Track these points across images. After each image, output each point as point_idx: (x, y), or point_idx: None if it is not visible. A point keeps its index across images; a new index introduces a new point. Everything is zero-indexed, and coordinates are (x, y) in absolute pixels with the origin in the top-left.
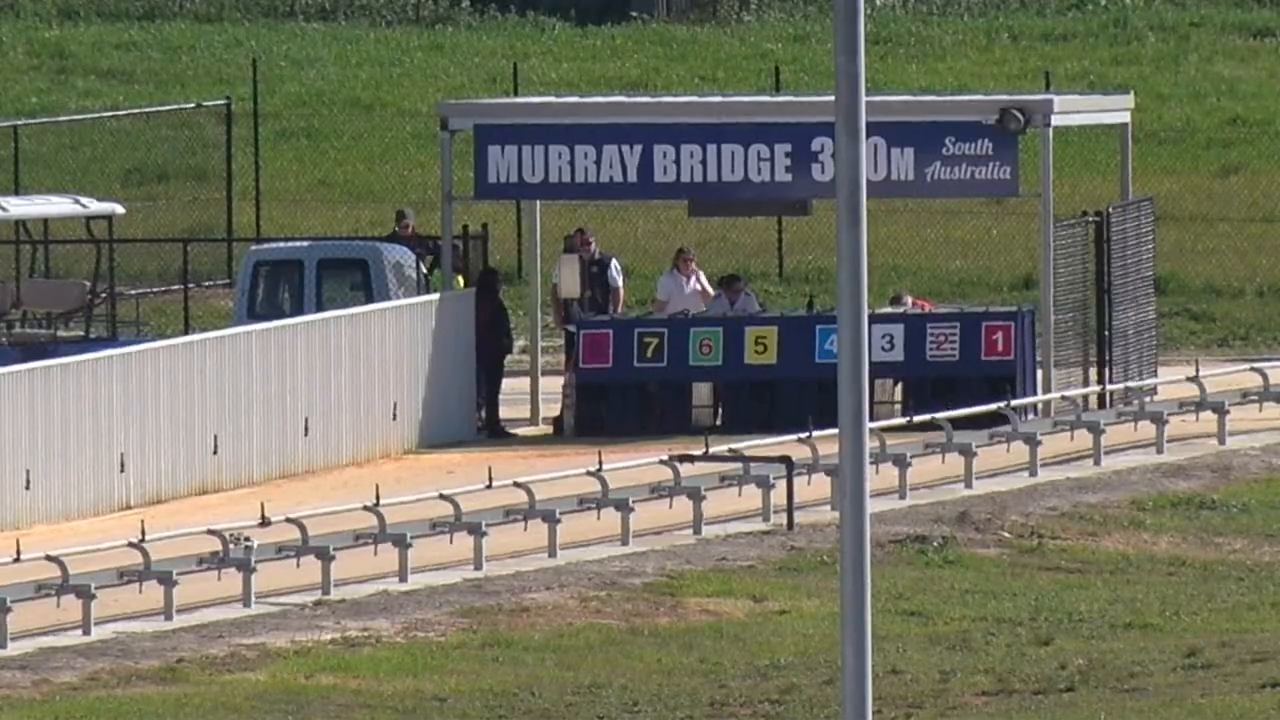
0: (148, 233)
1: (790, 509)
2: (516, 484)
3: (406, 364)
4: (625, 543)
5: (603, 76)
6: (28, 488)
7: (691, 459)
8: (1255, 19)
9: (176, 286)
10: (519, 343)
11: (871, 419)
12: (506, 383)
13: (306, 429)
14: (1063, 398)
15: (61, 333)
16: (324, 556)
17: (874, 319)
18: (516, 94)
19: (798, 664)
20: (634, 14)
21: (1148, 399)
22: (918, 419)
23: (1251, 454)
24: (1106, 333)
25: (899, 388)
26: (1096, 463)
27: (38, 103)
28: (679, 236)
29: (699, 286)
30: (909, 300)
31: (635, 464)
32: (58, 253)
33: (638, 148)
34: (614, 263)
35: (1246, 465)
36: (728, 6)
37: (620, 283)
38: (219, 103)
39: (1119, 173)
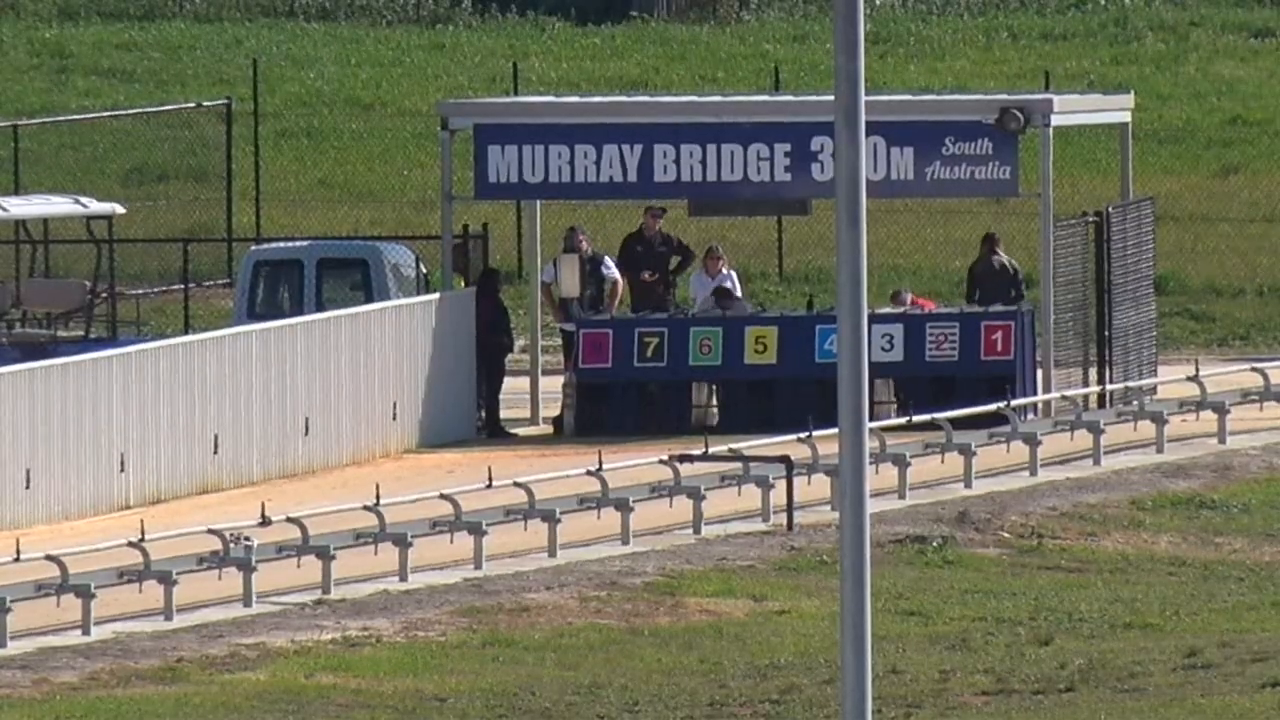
0: (148, 233)
1: (790, 509)
2: (516, 484)
3: (406, 364)
4: (625, 542)
5: (603, 76)
6: (28, 488)
7: (691, 459)
8: (1255, 19)
9: (176, 286)
10: (519, 342)
11: (871, 419)
12: (506, 382)
13: (306, 429)
14: (1063, 398)
15: (61, 333)
16: (324, 556)
17: (874, 319)
18: (516, 94)
19: (798, 664)
20: (634, 14)
21: (1148, 399)
22: (917, 419)
23: (1251, 454)
24: (1106, 333)
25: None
26: (1096, 462)
27: (38, 103)
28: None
29: (726, 286)
30: (909, 298)
31: (635, 464)
32: (58, 253)
33: (638, 148)
34: (606, 259)
35: (1246, 465)
36: (728, 6)
37: (618, 275)
38: (219, 103)
39: (1119, 173)
